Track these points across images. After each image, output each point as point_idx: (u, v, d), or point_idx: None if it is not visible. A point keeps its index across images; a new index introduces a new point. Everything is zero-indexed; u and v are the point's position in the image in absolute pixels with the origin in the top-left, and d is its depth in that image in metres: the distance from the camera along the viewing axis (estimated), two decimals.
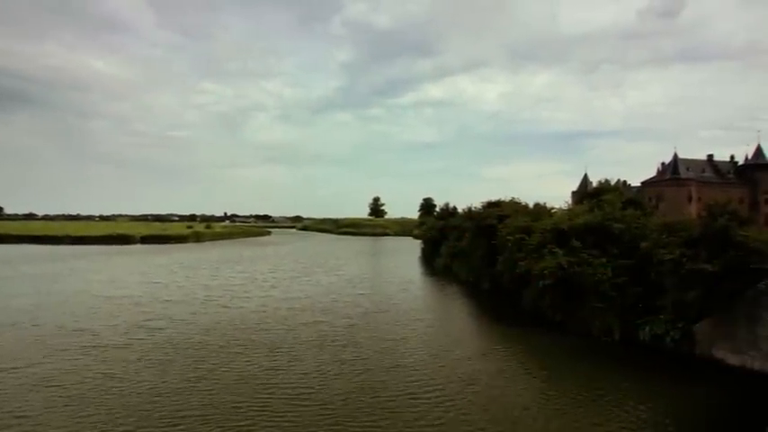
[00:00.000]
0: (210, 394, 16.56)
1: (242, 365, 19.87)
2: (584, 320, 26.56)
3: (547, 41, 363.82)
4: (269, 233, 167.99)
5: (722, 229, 22.78)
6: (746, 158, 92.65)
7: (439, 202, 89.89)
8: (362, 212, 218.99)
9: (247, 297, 36.46)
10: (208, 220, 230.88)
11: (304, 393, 16.89)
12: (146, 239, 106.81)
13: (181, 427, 13.86)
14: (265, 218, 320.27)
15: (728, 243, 22.21)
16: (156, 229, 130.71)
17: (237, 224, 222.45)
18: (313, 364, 20.13)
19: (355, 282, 46.59)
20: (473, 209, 52.54)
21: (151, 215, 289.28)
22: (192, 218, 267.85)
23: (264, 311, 30.75)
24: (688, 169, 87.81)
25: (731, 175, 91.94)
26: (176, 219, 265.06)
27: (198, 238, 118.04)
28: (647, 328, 23.83)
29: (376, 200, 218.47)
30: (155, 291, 39.28)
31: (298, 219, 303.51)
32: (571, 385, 18.51)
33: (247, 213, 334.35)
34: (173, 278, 46.97)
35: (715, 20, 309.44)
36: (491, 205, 48.07)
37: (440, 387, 17.81)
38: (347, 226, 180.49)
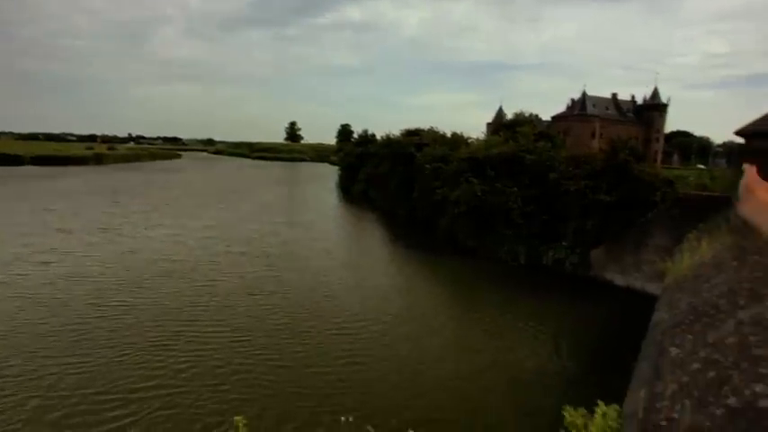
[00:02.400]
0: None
1: (163, 298, 19.52)
2: (494, 246, 28.17)
3: None
4: (179, 156, 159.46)
5: (622, 163, 24.57)
6: (645, 99, 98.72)
7: (357, 129, 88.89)
8: (278, 137, 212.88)
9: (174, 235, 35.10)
10: (110, 141, 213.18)
11: (227, 318, 17.05)
12: (38, 161, 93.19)
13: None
14: (174, 140, 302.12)
15: (626, 176, 24.08)
16: (50, 149, 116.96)
17: (144, 146, 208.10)
18: (242, 307, 20.07)
19: (274, 209, 45.70)
20: (392, 136, 52.62)
21: (42, 134, 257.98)
22: (92, 138, 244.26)
23: (189, 245, 29.93)
24: (594, 106, 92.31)
25: (631, 114, 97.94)
26: (73, 138, 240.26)
27: (100, 160, 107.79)
28: (551, 253, 25.80)
29: (293, 124, 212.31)
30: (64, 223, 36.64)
31: (210, 142, 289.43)
32: (478, 305, 19.98)
33: (154, 135, 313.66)
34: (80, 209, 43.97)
35: None
36: (410, 134, 48.41)
37: (360, 313, 18.51)
38: (262, 150, 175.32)
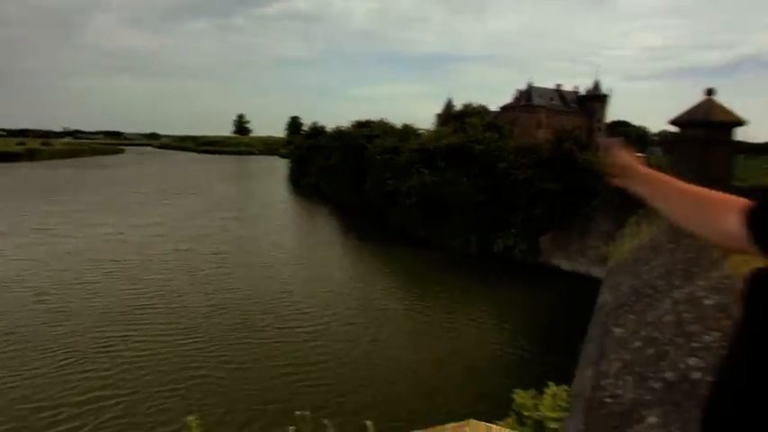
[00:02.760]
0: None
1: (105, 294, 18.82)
2: (445, 236, 28.61)
3: None
4: (122, 151, 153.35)
5: (567, 152, 25.37)
6: (587, 90, 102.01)
7: (307, 121, 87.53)
8: (226, 130, 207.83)
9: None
10: (45, 136, 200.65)
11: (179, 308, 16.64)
12: None
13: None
14: (116, 134, 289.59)
15: (571, 165, 24.89)
16: None
17: (83, 141, 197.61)
18: (195, 303, 19.60)
19: (223, 204, 44.45)
20: (342, 128, 52.38)
21: None
22: (24, 133, 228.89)
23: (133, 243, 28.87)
24: (540, 97, 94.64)
25: (574, 105, 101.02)
26: (3, 133, 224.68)
27: (33, 156, 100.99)
28: (501, 241, 26.43)
29: (240, 117, 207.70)
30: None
31: (154, 136, 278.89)
32: (432, 294, 20.29)
33: (94, 129, 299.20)
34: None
35: None
36: (360, 125, 48.31)
37: (315, 306, 18.46)
38: (209, 144, 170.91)
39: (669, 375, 4.32)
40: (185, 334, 15.18)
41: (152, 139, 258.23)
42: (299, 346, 14.63)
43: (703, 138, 11.54)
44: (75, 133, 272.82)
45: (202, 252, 25.39)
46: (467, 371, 13.72)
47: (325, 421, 6.44)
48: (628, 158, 1.55)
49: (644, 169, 1.52)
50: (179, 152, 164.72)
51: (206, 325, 15.97)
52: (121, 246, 26.02)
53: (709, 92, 11.82)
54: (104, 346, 14.11)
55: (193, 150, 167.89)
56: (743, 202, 1.10)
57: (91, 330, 15.13)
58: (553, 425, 5.87)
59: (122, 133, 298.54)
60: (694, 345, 4.61)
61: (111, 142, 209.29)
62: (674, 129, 14.35)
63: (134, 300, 17.94)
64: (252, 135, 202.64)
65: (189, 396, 11.66)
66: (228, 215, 37.51)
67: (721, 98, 12.47)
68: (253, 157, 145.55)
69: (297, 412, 6.27)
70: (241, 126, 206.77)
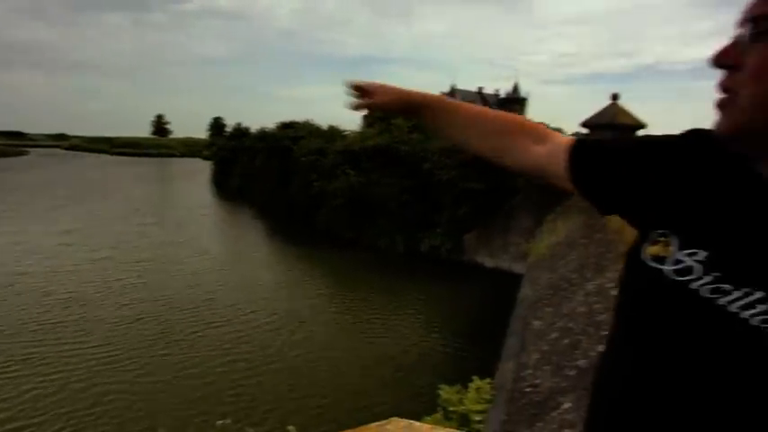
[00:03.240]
0: None
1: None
2: (373, 236, 28.77)
3: None
4: (26, 153, 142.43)
5: None
6: (507, 93, 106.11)
7: (231, 122, 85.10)
8: (144, 131, 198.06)
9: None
10: None
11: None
12: None
13: None
14: (18, 135, 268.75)
15: (493, 165, 25.77)
16: None
17: None
18: (111, 312, 18.52)
19: (142, 209, 41.77)
20: (267, 130, 51.41)
21: None
22: None
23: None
24: (463, 99, 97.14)
25: (495, 107, 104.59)
26: None
27: None
28: (427, 241, 26.94)
29: (159, 117, 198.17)
30: None
31: (62, 137, 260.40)
32: (360, 295, 20.32)
33: None
34: None
35: None
36: (285, 126, 47.60)
37: (241, 314, 17.99)
38: (125, 146, 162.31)
39: (582, 363, 4.57)
40: (100, 350, 14.23)
41: (60, 141, 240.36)
42: (223, 356, 14.18)
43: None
44: None
45: (120, 260, 23.77)
46: (395, 370, 13.84)
47: (250, 430, 6.30)
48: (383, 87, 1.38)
49: (417, 93, 1.38)
50: (91, 154, 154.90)
51: (123, 339, 15.04)
52: (25, 256, 23.79)
53: (615, 97, 12.60)
54: (1, 371, 12.92)
55: (108, 152, 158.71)
56: (562, 137, 1.18)
57: None
58: (477, 417, 6.04)
59: (25, 134, 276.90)
60: (603, 333, 4.91)
61: (12, 143, 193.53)
62: (585, 131, 15.24)
63: (40, 316, 16.44)
64: (172, 136, 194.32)
65: (105, 415, 10.97)
66: (148, 221, 35.39)
67: (625, 102, 13.41)
68: (173, 159, 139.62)
69: (218, 422, 6.08)
70: (160, 127, 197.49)
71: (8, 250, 24.77)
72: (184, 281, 21.09)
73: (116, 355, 13.95)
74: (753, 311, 0.77)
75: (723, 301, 0.81)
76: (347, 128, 44.56)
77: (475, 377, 7.01)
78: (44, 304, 17.48)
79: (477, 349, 14.54)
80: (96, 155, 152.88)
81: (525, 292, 10.83)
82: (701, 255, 0.86)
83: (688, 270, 0.86)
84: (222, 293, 19.62)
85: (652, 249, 0.93)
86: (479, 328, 16.87)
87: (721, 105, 0.85)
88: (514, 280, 16.29)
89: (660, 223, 0.94)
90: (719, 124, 0.86)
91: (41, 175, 74.54)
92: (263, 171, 46.38)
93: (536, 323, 7.94)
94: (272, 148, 43.95)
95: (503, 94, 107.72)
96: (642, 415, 0.89)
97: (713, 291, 0.82)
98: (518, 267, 22.13)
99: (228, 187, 59.26)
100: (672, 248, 0.90)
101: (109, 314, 16.92)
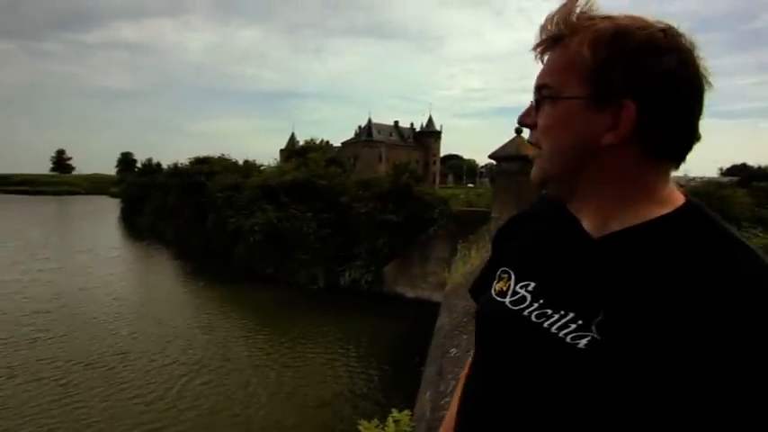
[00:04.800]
0: None
1: None
2: (292, 272, 28.32)
3: None
4: None
5: (404, 185, 26.88)
6: (422, 126, 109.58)
7: (140, 157, 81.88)
8: (43, 168, 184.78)
9: None
10: None
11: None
12: None
13: None
14: None
15: (409, 197, 26.38)
16: None
17: None
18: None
19: (41, 253, 37.50)
20: (180, 165, 49.77)
21: None
22: None
23: None
24: (379, 132, 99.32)
25: (411, 140, 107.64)
26: None
27: None
28: (347, 274, 26.88)
29: (60, 153, 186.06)
30: None
31: None
32: (280, 334, 19.81)
33: None
34: None
35: (396, 4, 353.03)
36: (199, 161, 46.36)
37: (157, 364, 16.97)
38: (21, 184, 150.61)
39: None
40: None
41: None
42: (138, 414, 13.24)
43: (515, 170, 12.92)
44: None
45: (12, 312, 21.41)
46: (315, 405, 13.56)
47: None
48: None
49: None
50: None
51: (17, 400, 13.63)
52: None
53: (518, 131, 13.32)
54: None
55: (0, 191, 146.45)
56: None
57: None
58: None
59: None
60: None
61: None
62: (493, 161, 15.98)
63: None
64: (76, 173, 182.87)
65: None
66: (48, 266, 32.08)
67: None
68: (78, 197, 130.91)
69: None
70: (62, 163, 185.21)
71: None
72: (93, 333, 19.17)
73: (9, 420, 12.61)
74: (567, 330, 0.89)
75: (547, 323, 0.93)
76: (266, 162, 44.21)
77: (394, 409, 6.98)
78: None
79: (399, 380, 14.54)
80: None
81: (442, 320, 11.01)
82: (531, 286, 1.02)
83: (522, 299, 1.01)
84: (137, 343, 18.28)
85: (497, 285, 1.10)
86: (401, 358, 16.89)
87: (534, 158, 1.01)
88: (434, 309, 16.54)
89: (504, 263, 1.13)
90: (533, 175, 1.02)
91: None
92: (176, 208, 44.62)
93: (453, 351, 8.07)
94: (185, 185, 42.52)
95: (418, 127, 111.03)
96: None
97: (539, 316, 0.96)
98: (437, 296, 22.48)
99: (140, 226, 56.26)
100: (510, 283, 1.06)
101: None
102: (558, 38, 0.95)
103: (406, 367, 15.61)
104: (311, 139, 59.30)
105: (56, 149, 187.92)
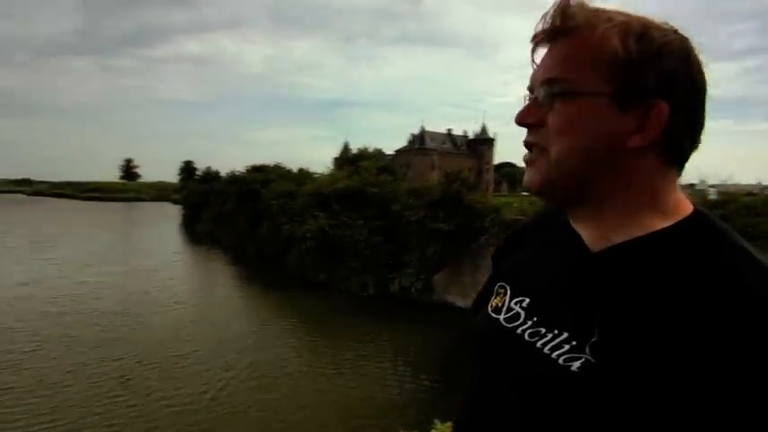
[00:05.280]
0: None
1: None
2: (343, 278, 28.60)
3: (309, 7, 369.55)
4: None
5: (456, 193, 26.69)
6: (475, 134, 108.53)
7: (201, 166, 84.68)
8: (112, 176, 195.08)
9: None
10: None
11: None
12: None
13: None
14: None
15: (460, 205, 26.17)
16: None
17: None
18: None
19: (109, 257, 39.89)
20: (237, 173, 51.37)
21: None
22: None
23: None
24: (432, 140, 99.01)
25: (464, 148, 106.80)
26: None
27: None
28: (397, 282, 26.90)
29: (128, 161, 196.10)
30: None
31: (26, 182, 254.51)
32: (329, 337, 20.09)
33: None
34: None
35: (451, 11, 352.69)
36: (255, 170, 47.72)
37: (216, 370, 17.48)
38: (93, 191, 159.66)
39: None
40: (57, 413, 13.45)
41: (24, 186, 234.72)
42: (190, 407, 13.74)
43: None
44: None
45: (81, 314, 22.60)
46: (361, 413, 13.66)
47: None
48: None
49: None
50: (57, 199, 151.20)
51: (81, 397, 14.36)
52: None
53: None
54: None
55: (74, 197, 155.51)
56: None
57: None
58: None
59: None
60: None
61: None
62: None
63: None
64: (142, 180, 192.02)
65: None
66: (117, 269, 33.86)
67: None
68: (143, 203, 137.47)
69: None
70: (129, 171, 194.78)
71: None
72: (156, 336, 19.98)
73: (78, 415, 13.31)
74: (560, 351, 0.84)
75: (540, 343, 0.88)
76: (320, 170, 44.96)
77: (436, 420, 6.92)
78: None
79: (448, 391, 14.40)
80: (62, 200, 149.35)
81: None
82: (526, 302, 0.96)
83: (516, 316, 0.95)
84: (196, 348, 18.80)
85: (494, 301, 1.04)
86: (450, 368, 16.72)
87: (530, 162, 0.92)
88: None
89: (501, 278, 1.07)
90: (530, 180, 0.92)
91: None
92: (233, 214, 46.06)
93: None
94: (242, 192, 43.87)
95: (471, 135, 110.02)
96: None
97: (532, 334, 0.90)
98: None
99: (199, 231, 58.24)
100: (506, 298, 1.01)
101: (66, 381, 15.62)
102: (570, 29, 0.87)
103: (455, 377, 15.46)
104: (364, 148, 59.77)
105: (124, 158, 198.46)
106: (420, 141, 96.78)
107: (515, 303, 0.98)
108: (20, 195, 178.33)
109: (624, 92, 0.82)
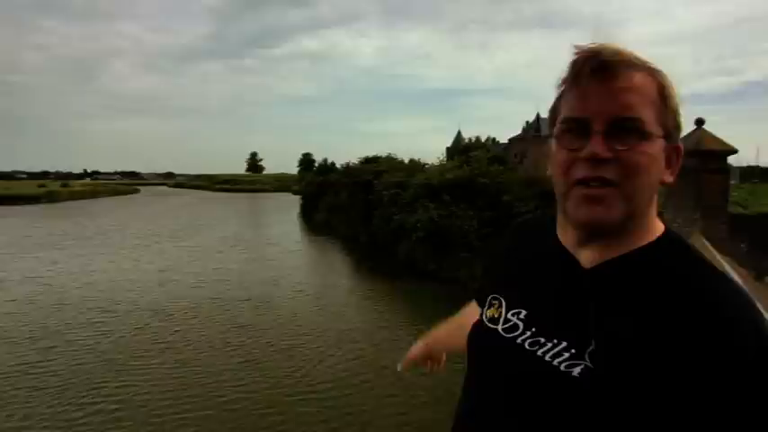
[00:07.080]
0: None
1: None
2: (453, 268, 28.59)
3: None
4: (137, 191, 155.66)
5: None
6: None
7: (318, 158, 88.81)
8: (240, 168, 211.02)
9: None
10: (64, 177, 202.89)
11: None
12: None
13: None
14: (133, 174, 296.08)
15: None
16: None
17: (100, 182, 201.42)
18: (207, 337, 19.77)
19: (238, 243, 43.53)
20: (351, 164, 53.10)
21: None
22: (45, 175, 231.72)
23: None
24: (548, 127, 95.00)
25: None
26: (24, 176, 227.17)
27: (52, 197, 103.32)
28: None
29: (253, 155, 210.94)
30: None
31: (170, 175, 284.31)
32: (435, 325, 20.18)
33: (112, 170, 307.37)
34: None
35: None
36: (368, 161, 49.02)
37: (322, 336, 18.55)
38: (223, 182, 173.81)
39: None
40: (212, 389, 15.24)
41: (167, 179, 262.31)
42: (306, 401, 14.64)
43: (696, 167, 11.57)
44: (93, 174, 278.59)
45: (218, 297, 24.53)
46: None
47: None
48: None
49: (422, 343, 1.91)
50: (194, 190, 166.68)
51: (201, 388, 15.75)
52: (130, 290, 25.34)
53: (699, 122, 11.92)
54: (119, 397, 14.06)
55: (208, 188, 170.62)
56: None
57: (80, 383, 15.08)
58: None
59: (139, 173, 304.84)
60: None
61: (128, 182, 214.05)
62: None
63: (134, 359, 16.78)
64: (265, 172, 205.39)
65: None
66: (244, 256, 36.61)
67: (726, 123, 12.56)
68: (266, 194, 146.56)
69: None
70: (254, 164, 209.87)
71: (110, 283, 27.01)
72: (280, 323, 21.07)
73: (228, 389, 14.76)
74: (561, 359, 0.92)
75: (540, 351, 0.96)
76: (433, 160, 45.15)
77: None
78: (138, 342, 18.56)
79: None
80: (198, 191, 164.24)
81: None
82: (523, 314, 1.05)
83: (514, 327, 1.04)
84: (311, 336, 19.60)
85: (488, 312, 1.13)
86: None
87: (600, 197, 0.91)
88: None
89: (493, 290, 1.16)
90: (603, 216, 0.91)
91: (148, 209, 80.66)
92: (347, 205, 47.76)
93: None
94: (355, 183, 45.32)
95: None
96: None
97: (532, 344, 0.99)
98: None
99: (316, 221, 61.07)
100: (502, 310, 1.09)
101: (216, 360, 17.65)
102: (614, 66, 0.92)
103: None
104: (476, 137, 59.05)
105: (250, 152, 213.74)
106: (536, 129, 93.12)
107: (512, 315, 1.07)
108: (164, 187, 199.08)
109: (668, 135, 0.94)
